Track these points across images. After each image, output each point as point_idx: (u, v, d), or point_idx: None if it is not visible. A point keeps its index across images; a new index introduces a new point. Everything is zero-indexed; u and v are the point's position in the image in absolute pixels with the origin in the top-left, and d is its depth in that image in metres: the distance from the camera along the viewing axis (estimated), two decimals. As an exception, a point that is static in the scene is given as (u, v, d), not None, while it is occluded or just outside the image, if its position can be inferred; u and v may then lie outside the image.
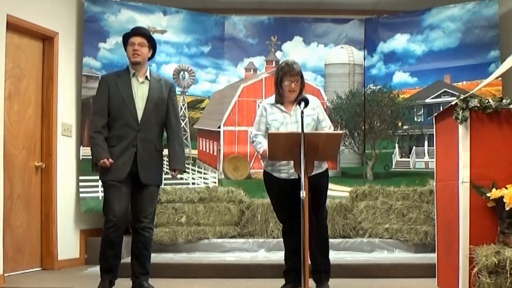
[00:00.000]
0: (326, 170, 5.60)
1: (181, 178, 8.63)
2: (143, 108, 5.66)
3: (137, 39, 5.71)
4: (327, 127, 5.56)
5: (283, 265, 5.77)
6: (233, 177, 8.86)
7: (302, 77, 5.53)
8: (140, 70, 5.75)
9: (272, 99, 5.62)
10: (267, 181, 5.64)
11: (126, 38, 5.79)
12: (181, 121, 5.81)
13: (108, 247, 5.64)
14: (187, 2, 8.86)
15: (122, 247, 6.01)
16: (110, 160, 5.56)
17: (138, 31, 5.81)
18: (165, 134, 5.97)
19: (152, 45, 5.85)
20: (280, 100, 5.56)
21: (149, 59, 5.87)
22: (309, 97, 5.59)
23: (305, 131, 5.15)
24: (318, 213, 5.48)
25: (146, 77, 5.76)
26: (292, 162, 5.16)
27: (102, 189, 5.91)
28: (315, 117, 5.50)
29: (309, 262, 5.07)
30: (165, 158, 6.01)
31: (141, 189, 5.70)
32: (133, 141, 5.61)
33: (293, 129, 5.39)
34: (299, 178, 5.13)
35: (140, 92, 5.69)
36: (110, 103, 5.64)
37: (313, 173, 5.34)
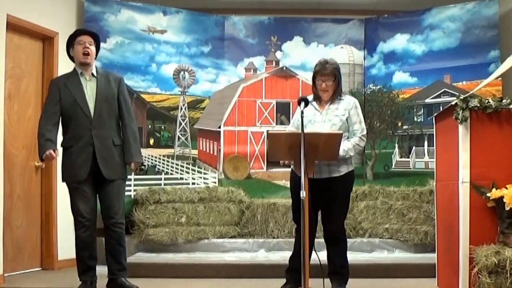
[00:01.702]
0: (348, 175, 5.50)
1: (181, 178, 8.64)
2: (94, 106, 5.68)
3: (86, 38, 5.80)
4: (358, 130, 5.46)
5: (283, 265, 5.76)
6: (233, 177, 8.86)
7: (336, 77, 5.47)
8: (88, 69, 5.81)
9: (311, 96, 5.62)
10: (291, 178, 5.62)
11: (73, 38, 5.85)
12: (132, 114, 5.98)
13: (82, 248, 5.72)
14: (187, 2, 8.86)
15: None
16: (54, 153, 5.60)
17: (86, 30, 6.01)
18: None
19: (97, 44, 5.94)
20: (316, 97, 5.57)
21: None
22: (346, 97, 5.58)
23: (329, 131, 5.17)
24: (333, 217, 5.49)
25: (92, 74, 5.81)
26: (315, 162, 5.16)
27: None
28: (343, 118, 5.43)
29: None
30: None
31: (106, 185, 5.73)
32: (89, 139, 5.64)
33: (319, 128, 5.37)
34: (319, 179, 5.17)
35: (90, 90, 5.74)
36: (62, 106, 5.70)
37: (328, 176, 5.36)
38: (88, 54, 5.74)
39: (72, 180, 5.70)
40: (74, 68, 5.87)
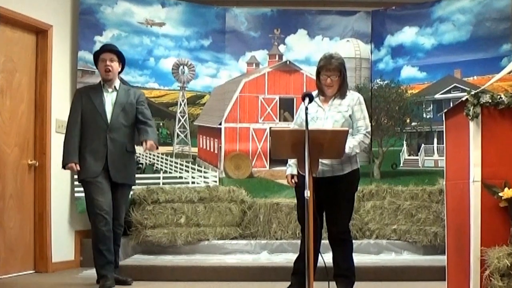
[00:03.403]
0: (352, 173, 5.50)
1: (180, 177, 8.64)
2: (111, 111, 6.27)
3: (108, 55, 6.37)
4: (362, 127, 5.46)
5: (287, 268, 5.77)
6: (234, 176, 8.85)
7: (342, 72, 5.46)
8: (111, 84, 6.42)
9: (315, 91, 5.62)
10: (297, 177, 5.62)
11: (97, 55, 6.43)
12: (153, 122, 6.62)
13: (102, 242, 6.08)
14: (186, -6, 8.87)
15: (120, 248, 6.30)
16: (77, 166, 6.19)
17: (108, 48, 6.52)
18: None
19: (121, 59, 6.52)
20: (320, 93, 5.58)
21: (119, 72, 6.58)
22: (351, 93, 5.58)
23: (335, 128, 5.17)
24: (337, 218, 5.48)
25: (115, 87, 6.45)
26: (320, 160, 5.16)
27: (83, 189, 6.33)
28: (346, 115, 5.43)
29: (328, 265, 5.09)
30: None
31: (115, 189, 6.27)
32: (103, 140, 6.21)
33: (321, 125, 5.38)
34: (322, 178, 5.15)
35: (109, 98, 6.38)
36: (83, 111, 6.28)
37: (331, 175, 5.36)
38: (109, 71, 6.32)
39: (88, 176, 6.14)
40: (100, 82, 6.47)
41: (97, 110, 6.26)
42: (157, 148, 6.47)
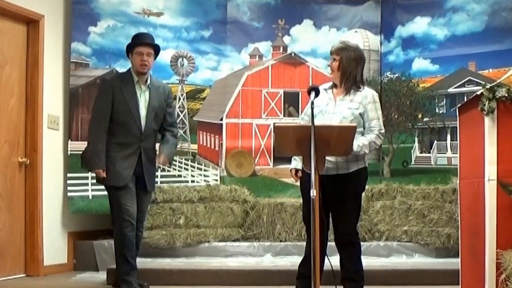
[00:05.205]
0: (358, 172, 5.49)
1: (179, 176, 8.63)
2: (145, 117, 6.26)
3: (146, 49, 6.27)
4: (376, 128, 5.45)
5: (292, 271, 5.76)
6: (236, 174, 8.84)
7: (341, 57, 5.48)
8: (143, 78, 6.34)
9: (329, 83, 5.67)
10: (302, 174, 5.62)
11: (132, 46, 6.30)
12: (177, 125, 6.82)
13: (129, 247, 6.19)
14: (185, -18, 8.85)
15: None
16: (103, 173, 6.15)
17: (146, 41, 6.36)
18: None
19: (156, 51, 6.44)
20: (334, 85, 5.62)
21: None
22: (365, 90, 5.55)
23: (342, 124, 5.17)
24: (343, 218, 5.47)
25: (148, 85, 6.36)
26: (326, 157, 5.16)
27: (107, 192, 6.38)
28: (356, 112, 5.41)
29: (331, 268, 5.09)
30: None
31: (143, 194, 6.34)
32: (136, 150, 6.24)
33: (329, 119, 5.38)
34: (326, 175, 5.15)
35: (143, 100, 6.32)
36: (114, 109, 6.19)
37: (336, 173, 5.35)
38: (145, 66, 6.25)
39: (117, 184, 6.15)
40: (130, 71, 6.39)
41: (131, 113, 6.21)
42: (170, 164, 6.81)
